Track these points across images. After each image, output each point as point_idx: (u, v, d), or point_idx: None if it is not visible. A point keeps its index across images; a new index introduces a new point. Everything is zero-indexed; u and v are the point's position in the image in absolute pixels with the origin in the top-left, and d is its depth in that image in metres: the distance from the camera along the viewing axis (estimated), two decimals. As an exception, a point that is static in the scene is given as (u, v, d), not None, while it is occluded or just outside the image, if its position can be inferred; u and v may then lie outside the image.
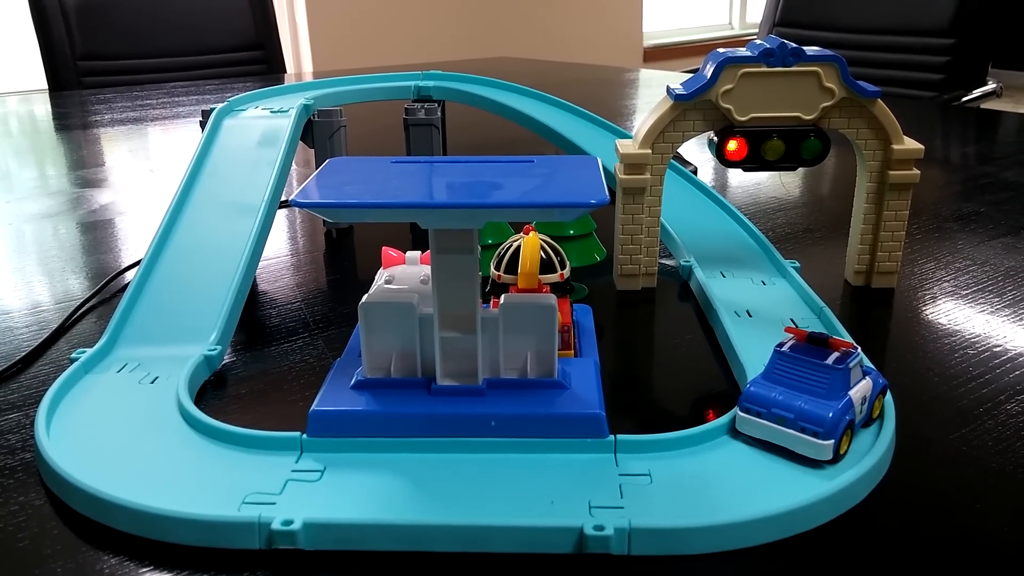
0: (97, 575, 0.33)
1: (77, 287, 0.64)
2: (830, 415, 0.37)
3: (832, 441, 0.37)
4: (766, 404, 0.38)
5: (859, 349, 0.40)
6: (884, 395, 0.41)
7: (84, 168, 1.03)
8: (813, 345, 0.40)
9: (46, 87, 1.73)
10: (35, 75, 1.80)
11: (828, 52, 0.54)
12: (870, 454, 0.38)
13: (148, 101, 1.51)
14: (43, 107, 1.51)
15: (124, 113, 1.40)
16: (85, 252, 0.72)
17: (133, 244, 0.75)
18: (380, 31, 2.93)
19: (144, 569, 0.33)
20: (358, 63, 2.70)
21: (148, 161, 1.07)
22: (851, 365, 0.38)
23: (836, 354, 0.39)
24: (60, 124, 1.36)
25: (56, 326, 0.56)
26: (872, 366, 0.42)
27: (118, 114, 1.39)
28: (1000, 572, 0.33)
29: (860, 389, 0.39)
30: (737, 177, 0.93)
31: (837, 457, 0.37)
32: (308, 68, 2.84)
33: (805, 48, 0.54)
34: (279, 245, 0.73)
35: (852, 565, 0.33)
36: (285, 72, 1.98)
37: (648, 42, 3.92)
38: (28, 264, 0.69)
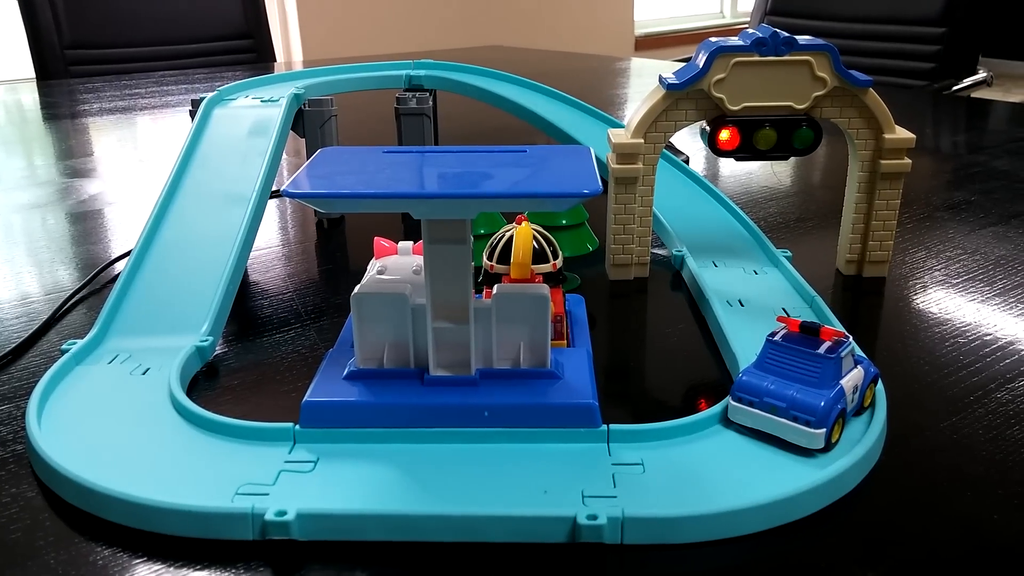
0: (90, 566, 0.33)
1: (66, 278, 0.64)
2: (822, 404, 0.37)
3: (824, 430, 0.37)
4: (758, 393, 0.39)
5: (851, 338, 0.40)
6: (875, 384, 0.41)
7: (72, 158, 1.02)
8: (805, 334, 0.40)
9: (34, 76, 1.72)
10: (22, 64, 1.79)
11: (820, 41, 0.54)
12: (861, 443, 0.38)
13: (137, 90, 1.49)
14: (31, 96, 1.50)
15: (113, 102, 1.38)
16: (74, 243, 0.72)
17: (122, 234, 0.74)
18: (370, 19, 2.92)
19: (137, 560, 0.33)
20: (348, 52, 2.69)
21: (137, 151, 1.06)
22: (843, 354, 0.38)
23: (828, 343, 0.39)
24: (48, 113, 1.35)
25: (46, 317, 0.55)
26: (863, 355, 0.42)
27: (107, 103, 1.38)
28: (991, 559, 0.33)
29: (852, 378, 0.39)
30: (729, 166, 0.93)
31: (829, 446, 0.37)
32: (298, 57, 2.82)
33: (797, 37, 0.54)
34: (270, 235, 0.73)
35: (844, 553, 0.33)
36: (275, 61, 1.97)
37: (639, 31, 3.91)
38: (17, 255, 0.69)
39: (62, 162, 1.00)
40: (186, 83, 1.55)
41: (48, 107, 1.40)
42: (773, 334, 0.40)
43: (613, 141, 0.57)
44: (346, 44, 2.83)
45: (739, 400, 0.39)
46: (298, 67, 1.79)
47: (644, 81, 1.57)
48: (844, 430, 0.39)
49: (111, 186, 0.89)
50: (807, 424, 0.37)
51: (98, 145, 1.10)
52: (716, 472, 0.36)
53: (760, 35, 0.54)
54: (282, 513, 0.33)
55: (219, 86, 0.75)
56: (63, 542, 0.34)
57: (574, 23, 3.52)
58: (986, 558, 0.33)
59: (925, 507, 0.36)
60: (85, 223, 0.77)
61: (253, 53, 1.90)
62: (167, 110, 1.32)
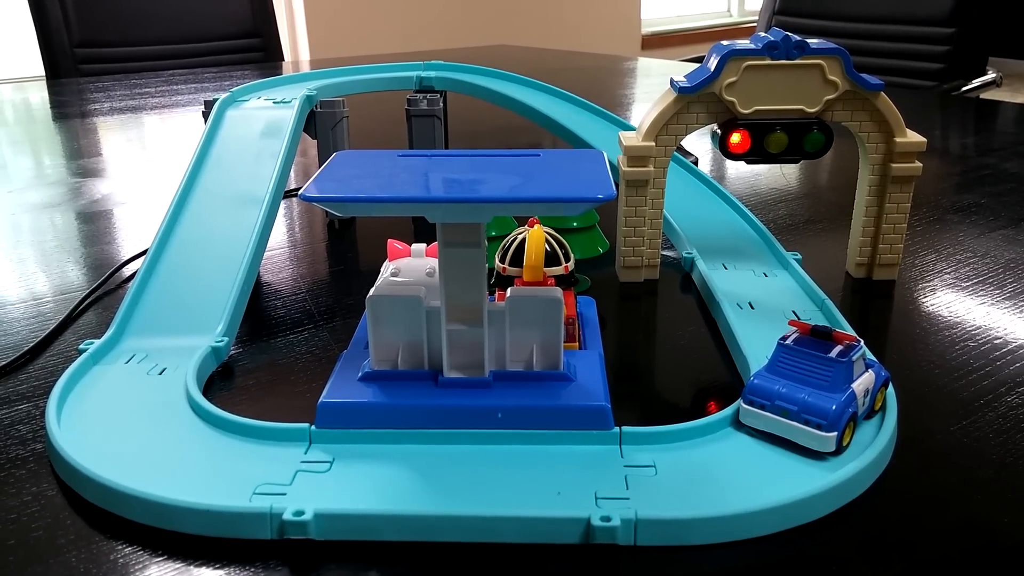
0: (111, 565, 0.33)
1: (77, 278, 0.64)
2: (833, 408, 0.37)
3: (835, 433, 0.37)
4: (770, 396, 0.39)
5: (862, 342, 0.40)
6: (886, 387, 0.42)
7: (82, 157, 1.03)
8: (816, 338, 0.40)
9: (43, 75, 1.72)
10: (32, 63, 1.80)
11: (832, 45, 0.54)
12: (872, 446, 0.38)
13: (146, 89, 1.50)
14: (40, 95, 1.50)
15: (123, 101, 1.39)
16: (85, 243, 0.72)
17: (133, 235, 0.75)
18: (378, 19, 2.92)
19: (157, 559, 0.34)
20: (356, 51, 2.69)
21: (147, 150, 1.06)
22: (854, 358, 0.39)
23: (839, 347, 0.39)
24: (58, 113, 1.35)
25: (63, 317, 0.56)
26: (874, 359, 0.42)
27: (116, 102, 1.38)
28: (1000, 562, 0.33)
29: (863, 382, 0.39)
30: (737, 168, 0.93)
31: (840, 449, 0.38)
32: (305, 56, 2.83)
33: (809, 41, 0.54)
34: (281, 236, 0.73)
35: (855, 556, 0.33)
36: (283, 60, 1.97)
37: (646, 29, 3.91)
38: (28, 255, 0.70)
39: (72, 162, 1.01)
40: (195, 82, 1.56)
41: (58, 106, 1.41)
42: (784, 337, 0.41)
43: (624, 144, 0.57)
44: (353, 43, 2.83)
45: (750, 403, 0.39)
46: (306, 66, 1.79)
47: (651, 81, 1.57)
48: (855, 433, 0.39)
49: (121, 186, 0.90)
50: (818, 427, 0.37)
51: (108, 144, 1.11)
52: (728, 474, 0.37)
53: (771, 38, 0.54)
54: (300, 513, 0.34)
55: (228, 85, 0.75)
56: (84, 540, 0.35)
57: (581, 22, 3.52)
58: (996, 561, 0.33)
59: (935, 510, 0.36)
60: (96, 223, 0.78)
61: (261, 52, 1.91)
62: (176, 109, 1.32)
